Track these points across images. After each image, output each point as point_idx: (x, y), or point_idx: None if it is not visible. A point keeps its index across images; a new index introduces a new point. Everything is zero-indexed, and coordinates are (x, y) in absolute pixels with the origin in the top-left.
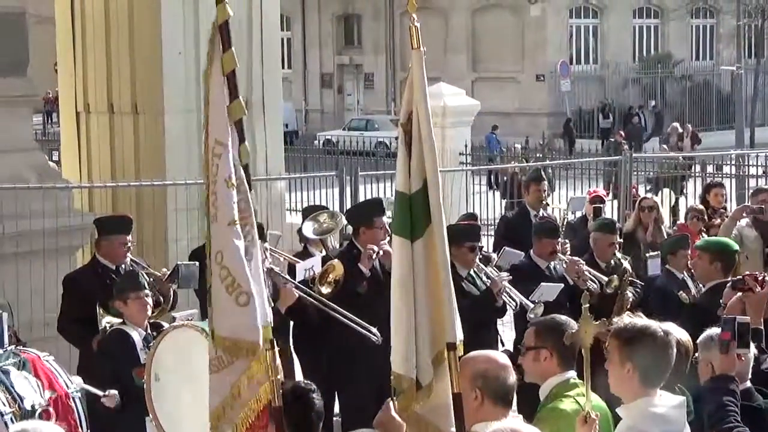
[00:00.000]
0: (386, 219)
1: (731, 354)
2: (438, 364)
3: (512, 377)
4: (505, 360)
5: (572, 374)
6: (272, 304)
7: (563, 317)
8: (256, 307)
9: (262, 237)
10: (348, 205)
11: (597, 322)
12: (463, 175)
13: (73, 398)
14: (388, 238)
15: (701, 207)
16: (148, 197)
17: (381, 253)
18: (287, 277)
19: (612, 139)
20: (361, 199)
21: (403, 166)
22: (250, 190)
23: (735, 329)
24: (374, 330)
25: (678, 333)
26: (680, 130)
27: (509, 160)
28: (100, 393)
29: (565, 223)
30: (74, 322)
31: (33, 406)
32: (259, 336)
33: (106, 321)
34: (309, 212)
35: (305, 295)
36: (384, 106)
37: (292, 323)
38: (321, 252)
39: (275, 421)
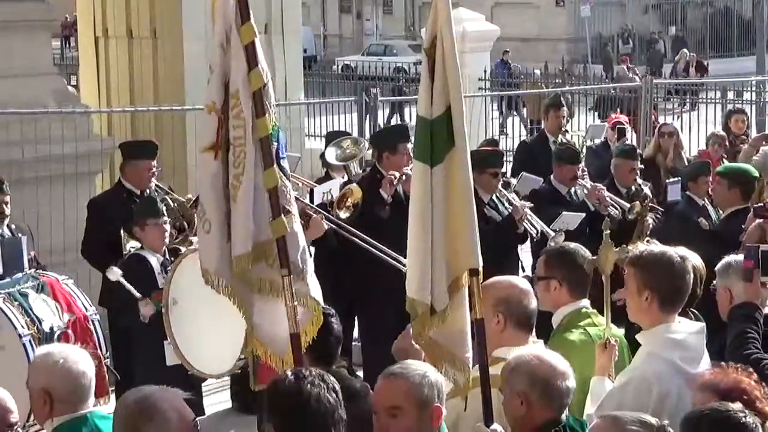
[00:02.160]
0: (410, 145)
1: (755, 282)
2: (455, 291)
3: (534, 303)
4: (526, 285)
5: (585, 303)
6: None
7: (573, 245)
8: (218, 235)
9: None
10: (367, 130)
11: (617, 249)
12: (482, 101)
13: (92, 321)
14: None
15: (722, 133)
16: (168, 122)
17: (404, 178)
18: (308, 203)
19: (620, 65)
20: (381, 124)
21: (425, 91)
22: (259, 115)
23: (758, 257)
24: (404, 260)
25: (693, 258)
26: (688, 58)
27: (528, 86)
28: (137, 295)
29: (584, 150)
30: (98, 245)
31: (52, 329)
32: (215, 264)
33: (131, 245)
34: (331, 138)
35: (328, 221)
36: (403, 31)
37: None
38: (343, 177)
39: (294, 348)
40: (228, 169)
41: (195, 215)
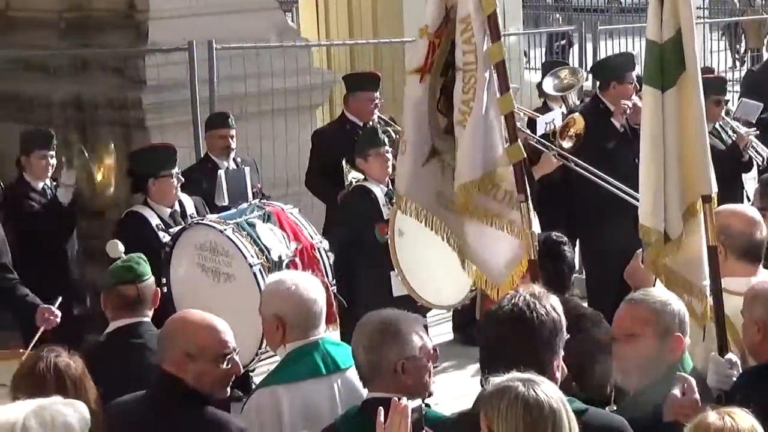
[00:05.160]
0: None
1: None
2: (690, 217)
3: (760, 232)
4: (753, 214)
5: None
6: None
7: None
8: (411, 158)
9: None
10: (585, 60)
11: None
12: (699, 29)
13: (319, 249)
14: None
15: None
16: (386, 55)
17: (632, 109)
18: (528, 132)
19: None
20: (601, 55)
21: (654, 15)
22: (495, 39)
23: None
24: (631, 192)
25: None
26: None
27: (749, 13)
28: None
29: None
30: (321, 176)
31: (280, 257)
32: (404, 186)
33: (352, 176)
34: (548, 68)
35: (543, 148)
36: None
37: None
38: (561, 107)
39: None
40: (434, 93)
41: None
